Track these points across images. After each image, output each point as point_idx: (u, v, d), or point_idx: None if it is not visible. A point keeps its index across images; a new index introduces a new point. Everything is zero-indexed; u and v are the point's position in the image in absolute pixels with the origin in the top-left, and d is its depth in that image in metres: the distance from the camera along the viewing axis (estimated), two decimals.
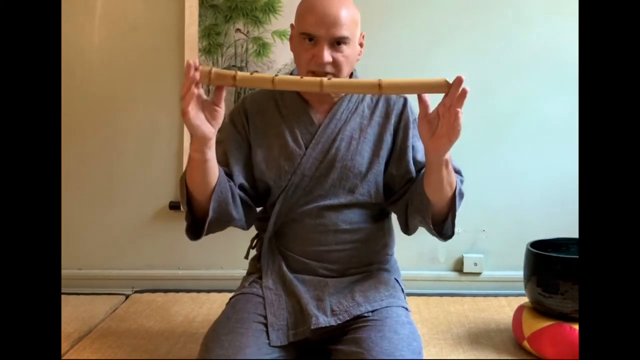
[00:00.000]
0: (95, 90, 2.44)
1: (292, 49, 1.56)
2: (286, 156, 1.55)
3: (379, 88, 1.31)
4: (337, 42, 1.46)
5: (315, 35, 1.46)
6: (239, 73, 1.31)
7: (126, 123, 2.45)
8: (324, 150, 1.55)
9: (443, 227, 1.51)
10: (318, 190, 1.55)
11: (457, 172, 1.54)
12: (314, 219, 1.55)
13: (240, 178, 1.56)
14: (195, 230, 1.51)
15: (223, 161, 1.55)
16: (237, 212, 1.52)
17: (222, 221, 1.51)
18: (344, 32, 1.46)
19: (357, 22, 1.52)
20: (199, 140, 1.36)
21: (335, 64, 1.47)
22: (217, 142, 1.60)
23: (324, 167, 1.54)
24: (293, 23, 1.55)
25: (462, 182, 1.54)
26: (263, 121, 1.59)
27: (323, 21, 1.45)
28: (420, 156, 1.55)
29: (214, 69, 1.31)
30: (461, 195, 1.49)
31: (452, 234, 1.53)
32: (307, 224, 1.56)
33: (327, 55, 1.45)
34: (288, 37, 2.34)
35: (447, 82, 1.29)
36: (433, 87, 1.31)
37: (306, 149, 1.55)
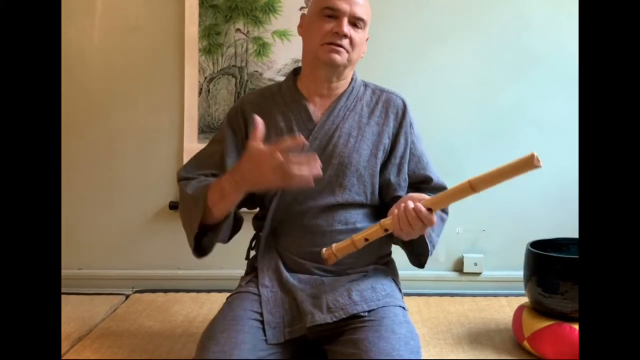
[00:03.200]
0: (95, 90, 2.45)
1: (303, 32, 1.59)
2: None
3: (471, 188, 1.29)
4: (354, 24, 1.52)
5: (338, 9, 1.50)
6: (355, 238, 1.40)
7: (126, 123, 2.45)
8: (321, 146, 1.55)
9: (413, 249, 1.57)
10: (315, 186, 1.54)
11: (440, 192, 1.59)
12: (309, 219, 1.55)
13: None
14: (205, 247, 1.58)
15: (219, 164, 1.58)
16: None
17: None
18: (363, 14, 1.52)
19: (370, 17, 1.57)
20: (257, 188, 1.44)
21: (351, 41, 1.51)
22: (215, 141, 1.64)
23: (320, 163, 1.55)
24: (304, 13, 1.59)
25: (443, 220, 1.59)
26: (262, 119, 1.59)
27: None
28: (420, 168, 1.60)
29: (334, 247, 1.42)
30: (434, 242, 1.55)
31: (423, 260, 1.58)
32: (303, 224, 1.55)
33: (347, 27, 1.49)
34: (288, 36, 2.37)
35: (534, 156, 1.20)
36: (523, 167, 1.23)
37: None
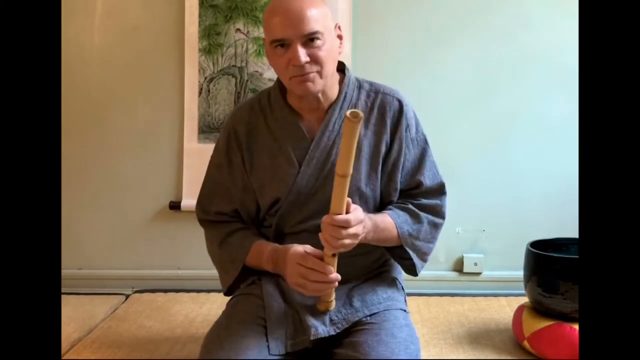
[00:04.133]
0: (95, 90, 2.44)
1: (270, 64, 1.49)
2: (281, 176, 1.50)
3: (341, 177, 1.28)
4: (310, 39, 1.38)
5: (284, 38, 1.38)
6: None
7: (126, 123, 2.45)
8: (319, 165, 1.49)
9: (405, 257, 1.55)
10: (315, 205, 1.50)
11: (435, 209, 1.56)
12: (312, 234, 1.48)
13: (245, 213, 1.58)
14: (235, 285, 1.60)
15: (229, 199, 1.57)
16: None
17: None
18: (314, 26, 1.37)
19: (327, 14, 1.43)
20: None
21: (315, 60, 1.39)
22: (216, 165, 1.60)
23: (320, 183, 1.49)
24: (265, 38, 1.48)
25: (435, 226, 1.56)
26: (255, 142, 1.54)
27: (289, 20, 1.37)
28: (412, 174, 1.55)
29: (321, 298, 1.43)
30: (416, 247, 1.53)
31: (413, 268, 1.57)
32: (306, 239, 1.49)
33: (303, 55, 1.37)
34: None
35: (347, 116, 1.20)
36: (351, 130, 1.22)
37: (300, 166, 1.49)
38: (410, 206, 1.53)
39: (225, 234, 1.56)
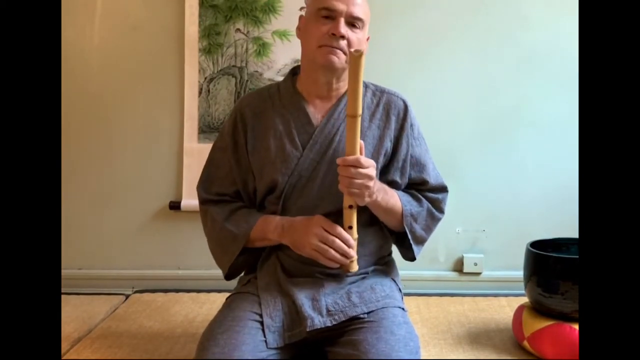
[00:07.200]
0: (95, 90, 2.45)
1: (300, 35, 1.56)
2: (283, 158, 1.53)
3: (352, 117, 1.39)
4: (352, 24, 1.49)
5: (335, 10, 1.47)
6: None
7: (126, 123, 2.45)
8: (321, 151, 1.53)
9: (405, 242, 1.61)
10: (315, 190, 1.53)
11: (436, 203, 1.63)
12: None
13: (246, 195, 1.62)
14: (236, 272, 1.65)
15: (231, 180, 1.61)
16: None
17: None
18: (360, 13, 1.49)
19: (369, 16, 1.55)
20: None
21: (349, 42, 1.48)
22: (219, 148, 1.64)
23: (321, 168, 1.53)
24: (302, 14, 1.57)
25: (432, 216, 1.62)
26: (260, 123, 1.58)
27: None
28: (417, 170, 1.62)
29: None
30: (414, 227, 1.59)
31: (412, 254, 1.62)
32: None
33: (344, 29, 1.47)
34: (288, 36, 2.36)
35: (351, 54, 1.36)
36: (355, 65, 1.35)
37: (303, 149, 1.54)
38: (414, 191, 1.61)
39: (229, 212, 1.60)
